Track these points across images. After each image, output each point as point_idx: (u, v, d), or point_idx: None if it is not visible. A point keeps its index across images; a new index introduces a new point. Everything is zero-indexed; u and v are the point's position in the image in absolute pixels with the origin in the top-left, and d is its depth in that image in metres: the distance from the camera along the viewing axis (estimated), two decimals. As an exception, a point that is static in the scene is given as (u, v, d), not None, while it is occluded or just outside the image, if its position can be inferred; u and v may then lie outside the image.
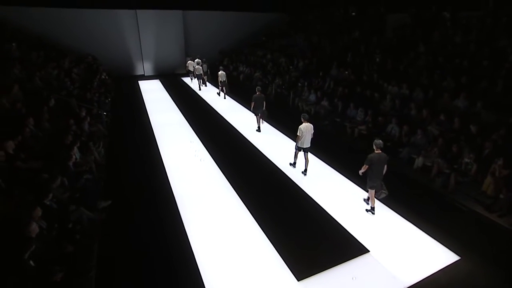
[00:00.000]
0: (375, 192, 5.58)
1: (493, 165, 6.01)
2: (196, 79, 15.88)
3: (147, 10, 17.50)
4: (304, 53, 15.66)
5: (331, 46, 14.86)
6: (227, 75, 14.01)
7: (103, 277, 4.14)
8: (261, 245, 4.79)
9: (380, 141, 5.44)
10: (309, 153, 7.05)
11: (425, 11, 12.71)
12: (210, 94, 14.83)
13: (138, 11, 17.38)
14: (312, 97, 11.91)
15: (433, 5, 12.49)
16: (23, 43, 11.62)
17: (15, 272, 3.34)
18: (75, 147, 5.97)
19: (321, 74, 12.96)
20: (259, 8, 20.16)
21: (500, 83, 7.97)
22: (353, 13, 16.89)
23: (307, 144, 6.78)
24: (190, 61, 16.72)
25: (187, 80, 17.51)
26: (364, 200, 6.08)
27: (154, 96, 14.20)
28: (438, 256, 4.60)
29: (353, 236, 4.98)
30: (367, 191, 5.76)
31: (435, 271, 4.30)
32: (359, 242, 4.83)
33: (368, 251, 4.65)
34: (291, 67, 15.13)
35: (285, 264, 4.37)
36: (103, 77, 13.99)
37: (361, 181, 6.52)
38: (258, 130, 9.95)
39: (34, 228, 3.77)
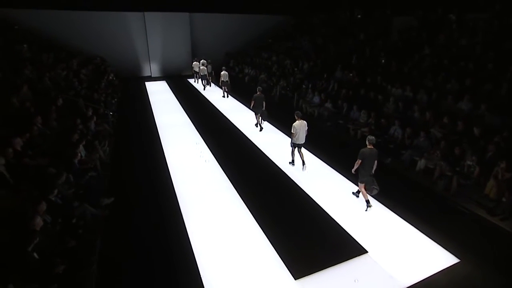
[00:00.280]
0: (367, 188, 5.77)
1: (496, 168, 5.96)
2: (200, 79, 16.32)
3: (154, 12, 17.79)
4: (309, 55, 15.71)
5: (336, 49, 14.88)
6: (233, 77, 14.20)
7: (104, 272, 4.24)
8: (260, 243, 4.85)
9: (373, 137, 5.67)
10: (305, 149, 7.43)
11: (431, 14, 12.65)
12: (214, 94, 15.07)
13: (146, 13, 17.68)
14: (316, 99, 11.94)
15: (439, 7, 12.44)
16: (34, 44, 11.94)
17: (19, 263, 3.46)
18: (81, 145, 6.14)
19: (325, 76, 13.00)
20: (265, 11, 20.27)
21: (505, 86, 7.89)
22: (359, 16, 16.89)
23: (301, 141, 7.05)
24: (195, 62, 17.06)
25: (193, 81, 17.73)
26: (353, 193, 6.29)
27: (160, 97, 14.40)
28: (437, 258, 4.58)
29: (351, 237, 4.99)
30: (358, 185, 5.99)
31: (434, 273, 4.29)
32: (358, 243, 4.84)
33: (367, 251, 4.66)
34: (296, 69, 15.19)
35: (282, 263, 4.41)
36: (110, 78, 14.26)
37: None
38: (260, 128, 10.10)
39: (39, 221, 3.90)
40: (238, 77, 18.04)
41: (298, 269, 4.28)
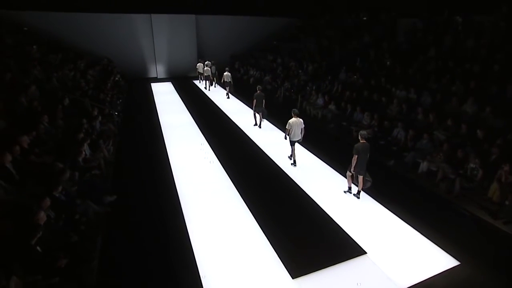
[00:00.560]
0: (362, 181, 6.11)
1: (500, 170, 5.91)
2: (204, 80, 16.62)
3: (161, 14, 18.02)
4: (314, 57, 15.73)
5: (340, 51, 14.87)
6: (238, 78, 14.35)
7: (104, 267, 4.33)
8: (259, 242, 4.88)
9: (365, 132, 6.03)
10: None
11: (437, 16, 12.58)
12: (217, 94, 15.32)
13: (153, 15, 17.91)
14: (320, 101, 11.94)
15: (445, 9, 12.36)
16: (43, 45, 12.21)
17: (23, 255, 3.56)
18: (86, 144, 6.26)
19: (329, 78, 13.00)
20: (271, 13, 20.32)
21: (510, 88, 7.81)
22: (364, 18, 16.85)
23: (297, 137, 7.31)
24: (200, 63, 17.29)
25: (198, 82, 17.92)
26: (354, 195, 6.33)
27: (165, 98, 14.57)
28: (437, 261, 4.55)
29: (350, 237, 4.99)
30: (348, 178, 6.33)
31: (432, 275, 4.26)
32: (357, 243, 4.83)
33: (365, 252, 4.65)
34: (300, 71, 15.22)
35: (280, 262, 4.44)
36: (116, 79, 14.48)
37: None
38: (257, 124, 10.46)
39: (43, 216, 4.01)
40: (243, 78, 18.15)
41: (296, 268, 4.30)
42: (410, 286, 4.09)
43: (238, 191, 6.36)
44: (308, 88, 13.28)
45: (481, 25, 10.88)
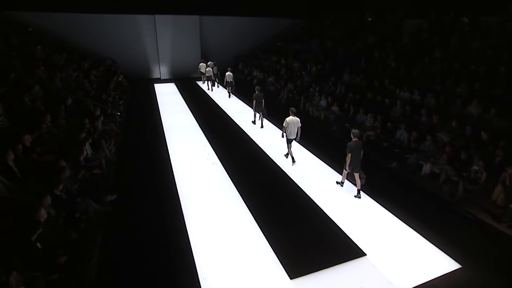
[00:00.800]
0: (358, 179, 6.27)
1: (504, 173, 5.82)
2: (206, 80, 16.83)
3: (165, 15, 18.14)
4: (318, 58, 15.70)
5: (345, 52, 14.82)
6: (241, 80, 14.42)
7: (104, 265, 4.35)
8: (258, 242, 4.86)
9: (357, 130, 6.28)
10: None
11: (444, 16, 12.47)
12: (219, 95, 15.45)
13: (157, 16, 18.04)
14: (323, 102, 11.90)
15: (452, 10, 12.24)
16: (48, 46, 12.35)
17: (23, 252, 3.59)
18: (87, 143, 6.30)
19: (332, 79, 12.95)
20: (275, 14, 20.33)
21: (515, 89, 7.72)
22: (369, 19, 16.76)
23: (293, 136, 7.49)
24: (202, 64, 17.39)
25: (201, 83, 17.99)
26: (355, 196, 6.33)
27: (168, 98, 14.63)
28: (438, 264, 4.49)
29: (350, 239, 4.95)
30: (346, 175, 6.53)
31: (432, 278, 4.21)
32: (356, 245, 4.79)
33: (365, 254, 4.61)
34: (303, 72, 15.20)
35: (279, 262, 4.42)
36: (120, 79, 14.58)
37: (363, 184, 6.56)
38: (261, 125, 10.58)
39: (43, 213, 4.04)
40: (246, 79, 18.18)
41: (294, 268, 4.28)
42: (410, 289, 4.05)
43: (239, 192, 6.35)
44: (311, 89, 13.26)
45: (488, 25, 10.77)
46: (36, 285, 3.44)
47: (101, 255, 4.48)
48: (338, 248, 4.76)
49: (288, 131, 7.40)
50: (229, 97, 14.96)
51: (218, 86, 17.03)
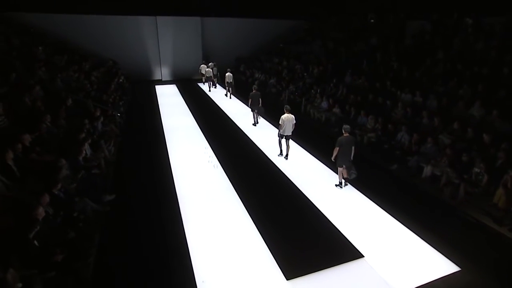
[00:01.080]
0: (347, 173, 6.51)
1: (506, 176, 5.75)
2: (206, 81, 17.13)
3: (167, 17, 18.18)
4: (320, 60, 15.69)
5: (347, 53, 14.80)
6: (243, 81, 14.50)
7: (101, 264, 4.35)
8: (255, 242, 4.85)
9: (348, 126, 6.40)
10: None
11: (447, 18, 12.40)
12: (219, 95, 15.67)
13: (158, 17, 18.07)
14: (324, 104, 11.87)
15: (455, 11, 12.16)
16: (49, 47, 12.44)
17: (20, 249, 3.60)
18: (86, 144, 6.32)
19: (334, 81, 12.92)
20: (277, 15, 20.30)
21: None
22: (372, 20, 16.70)
23: (288, 132, 7.72)
24: (202, 65, 17.53)
25: (202, 84, 18.05)
26: (336, 185, 6.73)
27: (169, 100, 14.65)
28: (436, 266, 4.44)
29: (348, 241, 4.91)
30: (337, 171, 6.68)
31: (431, 280, 4.16)
32: (354, 247, 4.75)
33: (363, 256, 4.56)
34: (305, 74, 15.19)
35: (275, 262, 4.39)
36: (121, 80, 14.64)
37: (363, 186, 6.62)
38: (254, 124, 10.89)
39: (41, 212, 4.06)
40: (248, 81, 18.18)
41: (291, 269, 4.25)
42: (407, 291, 3.99)
43: (237, 193, 6.33)
44: (312, 91, 13.24)
45: (492, 26, 10.70)
46: (32, 282, 3.45)
47: (98, 254, 4.47)
48: (336, 250, 4.73)
49: (283, 128, 7.62)
50: (230, 97, 15.07)
51: (215, 87, 17.20)
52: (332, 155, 6.44)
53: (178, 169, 7.45)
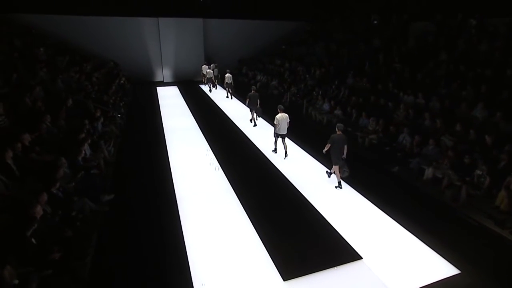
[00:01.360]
0: (340, 171, 6.56)
1: (508, 178, 5.68)
2: (207, 82, 17.33)
3: (168, 18, 18.22)
4: (322, 61, 15.65)
5: (349, 55, 14.75)
6: (245, 83, 14.55)
7: (98, 263, 4.33)
8: (253, 243, 4.82)
9: (342, 124, 6.63)
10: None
11: (451, 19, 12.32)
12: (220, 96, 15.75)
13: (160, 19, 18.11)
14: (326, 106, 11.82)
15: (459, 12, 12.07)
16: (51, 48, 12.53)
17: (18, 247, 3.61)
18: (86, 144, 6.34)
19: (336, 83, 12.88)
20: (280, 17, 20.27)
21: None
22: (375, 21, 16.62)
23: (283, 131, 7.89)
24: (204, 66, 17.65)
25: (203, 85, 18.16)
26: (327, 172, 7.04)
27: (170, 102, 14.66)
28: (436, 269, 4.37)
29: (347, 242, 4.86)
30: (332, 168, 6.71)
31: (429, 283, 4.09)
32: (352, 248, 4.70)
33: (361, 258, 4.51)
34: (307, 75, 15.16)
35: (272, 263, 4.36)
36: (122, 82, 14.69)
37: (362, 186, 6.60)
38: (254, 124, 10.96)
39: (39, 210, 4.07)
40: (250, 83, 18.17)
41: (288, 270, 4.21)
42: (406, 293, 3.94)
43: (236, 194, 6.30)
44: (314, 93, 13.20)
45: (496, 28, 10.61)
46: (29, 279, 3.44)
47: (96, 254, 4.46)
48: (334, 251, 4.68)
49: (279, 127, 7.77)
50: (231, 98, 15.14)
51: (216, 88, 17.28)
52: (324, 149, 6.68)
53: (178, 170, 7.44)
